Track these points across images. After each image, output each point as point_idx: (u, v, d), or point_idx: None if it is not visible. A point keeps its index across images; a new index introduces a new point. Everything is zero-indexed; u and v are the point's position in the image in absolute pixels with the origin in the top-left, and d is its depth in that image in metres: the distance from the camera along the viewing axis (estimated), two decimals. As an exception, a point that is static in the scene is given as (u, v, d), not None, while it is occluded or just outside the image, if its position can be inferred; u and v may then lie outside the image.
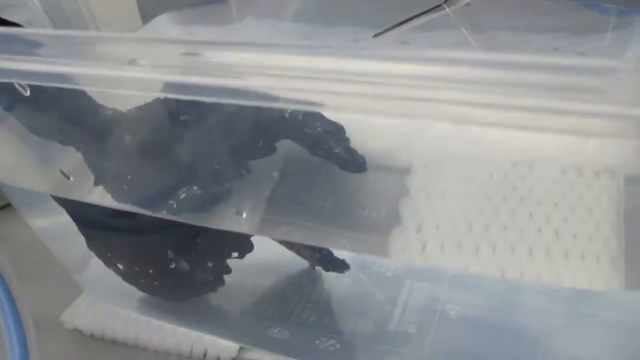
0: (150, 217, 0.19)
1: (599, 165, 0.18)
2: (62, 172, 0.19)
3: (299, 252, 0.22)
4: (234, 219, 0.18)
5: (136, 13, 0.30)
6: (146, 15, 0.30)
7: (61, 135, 0.19)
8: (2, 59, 0.14)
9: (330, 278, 0.22)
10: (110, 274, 0.23)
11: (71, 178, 0.19)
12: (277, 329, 0.22)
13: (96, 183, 0.19)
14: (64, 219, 0.22)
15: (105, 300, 0.25)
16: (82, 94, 0.18)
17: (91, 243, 0.21)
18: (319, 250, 0.20)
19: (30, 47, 0.14)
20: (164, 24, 0.30)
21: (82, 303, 0.26)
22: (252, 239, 0.21)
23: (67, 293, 0.26)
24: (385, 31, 0.25)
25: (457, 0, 0.24)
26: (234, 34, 0.29)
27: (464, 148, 0.17)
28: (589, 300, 0.19)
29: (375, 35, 0.25)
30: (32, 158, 0.20)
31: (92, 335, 0.25)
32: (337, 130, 0.18)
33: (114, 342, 0.25)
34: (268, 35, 0.29)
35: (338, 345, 0.21)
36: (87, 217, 0.20)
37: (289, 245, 0.22)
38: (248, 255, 0.21)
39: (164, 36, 0.25)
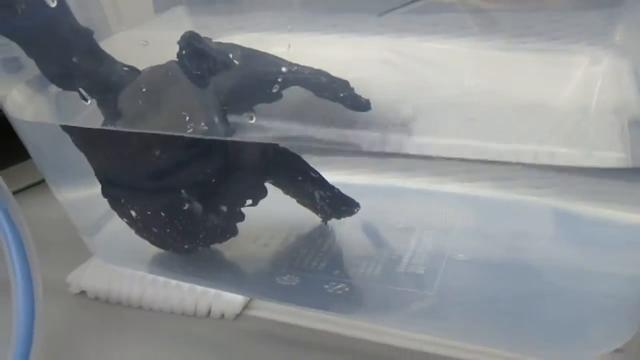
0: (164, 152, 0.20)
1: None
2: (80, 93, 0.20)
3: (310, 205, 0.22)
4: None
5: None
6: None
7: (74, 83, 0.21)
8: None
9: (341, 232, 0.23)
10: (122, 235, 0.24)
11: (89, 101, 0.20)
12: (287, 276, 0.22)
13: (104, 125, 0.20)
14: (85, 182, 0.23)
15: (115, 262, 0.25)
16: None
17: (106, 188, 0.22)
18: (331, 189, 0.21)
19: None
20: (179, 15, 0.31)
21: (87, 267, 0.26)
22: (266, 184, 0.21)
23: (73, 261, 0.26)
24: (388, 11, 0.27)
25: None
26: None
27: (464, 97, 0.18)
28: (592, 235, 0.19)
29: (380, 15, 0.27)
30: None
31: (96, 298, 0.25)
32: (342, 82, 0.19)
33: (119, 304, 0.25)
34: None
35: (347, 289, 0.21)
36: (102, 156, 0.21)
37: (301, 198, 0.22)
38: (259, 208, 0.21)
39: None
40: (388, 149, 0.17)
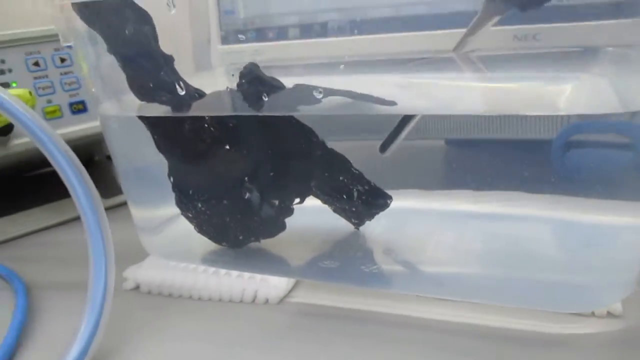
0: (233, 143, 0.24)
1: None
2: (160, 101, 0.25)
3: (346, 210, 0.26)
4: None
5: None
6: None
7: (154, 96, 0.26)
8: None
9: (371, 235, 0.27)
10: (179, 234, 0.27)
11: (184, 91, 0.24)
12: (328, 261, 0.25)
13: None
14: (154, 188, 0.27)
15: (171, 257, 0.28)
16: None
17: (178, 182, 0.26)
18: (368, 183, 0.25)
19: None
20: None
21: (142, 264, 0.29)
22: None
23: (127, 262, 0.29)
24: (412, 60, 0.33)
25: (464, 47, 0.33)
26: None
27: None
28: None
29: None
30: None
31: (149, 291, 0.28)
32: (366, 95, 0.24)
33: (170, 295, 0.28)
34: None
35: (381, 268, 0.24)
36: (178, 152, 0.26)
37: (339, 202, 0.26)
38: (303, 212, 0.26)
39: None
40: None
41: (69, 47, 0.26)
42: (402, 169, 0.28)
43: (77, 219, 0.24)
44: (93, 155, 0.43)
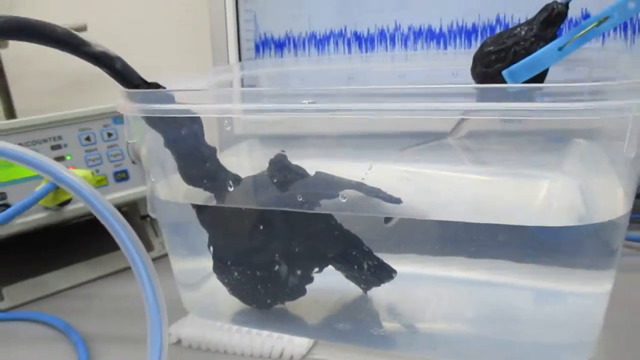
0: (266, 225, 0.30)
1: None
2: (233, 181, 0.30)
3: (356, 277, 0.32)
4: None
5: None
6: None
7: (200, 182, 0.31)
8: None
9: (377, 299, 0.32)
10: (215, 295, 0.32)
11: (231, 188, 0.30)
12: (341, 324, 0.30)
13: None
14: (195, 256, 0.33)
15: (207, 316, 0.33)
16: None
17: (218, 254, 0.31)
18: (377, 259, 0.30)
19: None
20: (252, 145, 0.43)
21: (185, 321, 0.34)
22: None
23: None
24: (406, 148, 0.39)
25: (458, 133, 0.38)
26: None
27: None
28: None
29: (401, 150, 0.38)
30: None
31: (190, 346, 0.33)
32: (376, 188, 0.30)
33: (208, 350, 0.32)
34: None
35: (387, 331, 0.29)
36: (221, 231, 0.31)
37: (350, 271, 0.32)
38: (319, 280, 0.31)
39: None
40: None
41: (133, 143, 0.31)
42: (404, 237, 0.33)
43: (118, 272, 0.28)
44: (128, 215, 0.48)
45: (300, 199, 0.29)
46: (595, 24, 0.32)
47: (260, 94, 0.31)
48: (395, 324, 0.31)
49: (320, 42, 0.50)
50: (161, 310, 0.28)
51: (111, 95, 0.32)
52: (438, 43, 0.47)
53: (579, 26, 0.32)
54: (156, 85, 0.29)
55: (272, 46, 0.51)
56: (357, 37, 0.49)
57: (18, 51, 0.60)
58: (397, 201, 0.29)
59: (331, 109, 0.26)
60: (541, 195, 0.32)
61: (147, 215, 0.43)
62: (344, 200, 0.29)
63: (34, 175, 0.37)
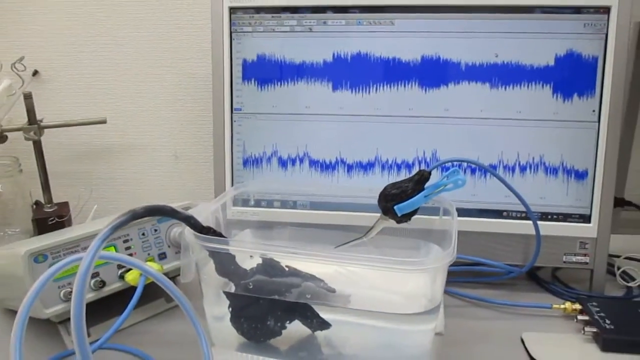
0: (265, 303, 0.56)
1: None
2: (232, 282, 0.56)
3: (308, 325, 0.58)
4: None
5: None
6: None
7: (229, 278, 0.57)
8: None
9: (321, 335, 0.58)
10: (231, 336, 0.58)
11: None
12: (301, 352, 0.57)
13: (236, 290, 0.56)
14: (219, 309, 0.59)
15: (225, 346, 0.59)
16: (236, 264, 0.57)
17: (233, 312, 0.57)
18: (321, 318, 0.57)
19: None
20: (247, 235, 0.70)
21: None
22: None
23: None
24: (339, 246, 0.66)
25: (370, 235, 0.66)
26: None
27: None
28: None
29: (336, 248, 0.66)
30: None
31: (215, 363, 0.58)
32: (319, 280, 0.57)
33: (226, 366, 0.58)
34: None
35: (326, 356, 0.56)
36: (240, 303, 0.57)
37: (306, 323, 0.58)
38: (290, 326, 0.57)
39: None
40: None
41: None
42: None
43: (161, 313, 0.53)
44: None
45: (284, 290, 0.56)
46: (441, 187, 0.61)
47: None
48: (330, 351, 0.58)
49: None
50: (208, 341, 0.54)
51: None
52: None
53: (433, 186, 0.61)
54: (212, 231, 0.55)
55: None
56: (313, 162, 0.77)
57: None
58: (333, 290, 0.57)
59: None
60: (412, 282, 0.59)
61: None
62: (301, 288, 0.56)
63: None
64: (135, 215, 0.46)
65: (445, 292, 0.74)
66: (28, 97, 0.88)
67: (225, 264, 0.56)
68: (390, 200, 0.62)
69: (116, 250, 0.63)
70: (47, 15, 1.00)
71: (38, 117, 0.91)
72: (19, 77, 0.97)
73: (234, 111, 0.77)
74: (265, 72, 0.75)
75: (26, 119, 0.90)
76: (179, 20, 0.99)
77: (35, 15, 1.00)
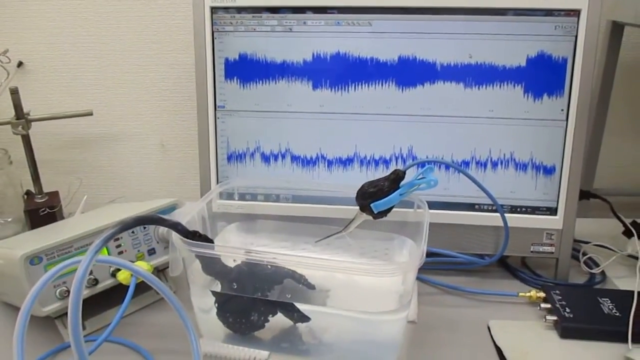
0: (250, 298, 0.60)
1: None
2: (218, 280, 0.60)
3: (291, 318, 0.62)
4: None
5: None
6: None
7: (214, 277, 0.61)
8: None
9: (301, 326, 0.63)
10: (218, 328, 0.63)
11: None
12: (283, 343, 0.61)
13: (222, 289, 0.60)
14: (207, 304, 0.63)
15: (212, 337, 0.63)
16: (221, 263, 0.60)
17: (219, 307, 0.61)
18: (301, 312, 0.61)
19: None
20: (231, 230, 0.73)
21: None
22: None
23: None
24: (320, 240, 0.70)
25: (348, 229, 0.70)
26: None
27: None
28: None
29: (316, 242, 0.70)
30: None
31: (205, 355, 0.63)
32: (300, 275, 0.61)
33: (216, 357, 0.62)
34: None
35: (306, 345, 0.61)
36: (225, 298, 0.61)
37: (290, 316, 0.62)
38: (272, 318, 0.62)
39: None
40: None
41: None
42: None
43: (151, 304, 0.58)
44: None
45: (266, 288, 0.60)
46: (415, 187, 0.65)
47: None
48: (310, 340, 0.62)
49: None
50: (196, 335, 0.58)
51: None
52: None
53: (408, 184, 0.64)
54: (199, 235, 0.58)
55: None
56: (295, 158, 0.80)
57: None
58: (312, 287, 0.61)
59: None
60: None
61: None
62: (289, 296, 0.60)
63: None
64: (126, 226, 0.49)
65: (420, 279, 0.79)
66: (14, 93, 0.89)
67: (211, 265, 0.60)
68: (368, 198, 0.66)
69: (107, 248, 0.67)
70: (30, 6, 1.00)
71: (25, 110, 0.92)
72: (4, 69, 0.97)
73: (217, 108, 0.80)
74: (247, 70, 0.78)
75: (13, 112, 0.92)
76: (162, 11, 1.00)
77: (18, 7, 1.00)
